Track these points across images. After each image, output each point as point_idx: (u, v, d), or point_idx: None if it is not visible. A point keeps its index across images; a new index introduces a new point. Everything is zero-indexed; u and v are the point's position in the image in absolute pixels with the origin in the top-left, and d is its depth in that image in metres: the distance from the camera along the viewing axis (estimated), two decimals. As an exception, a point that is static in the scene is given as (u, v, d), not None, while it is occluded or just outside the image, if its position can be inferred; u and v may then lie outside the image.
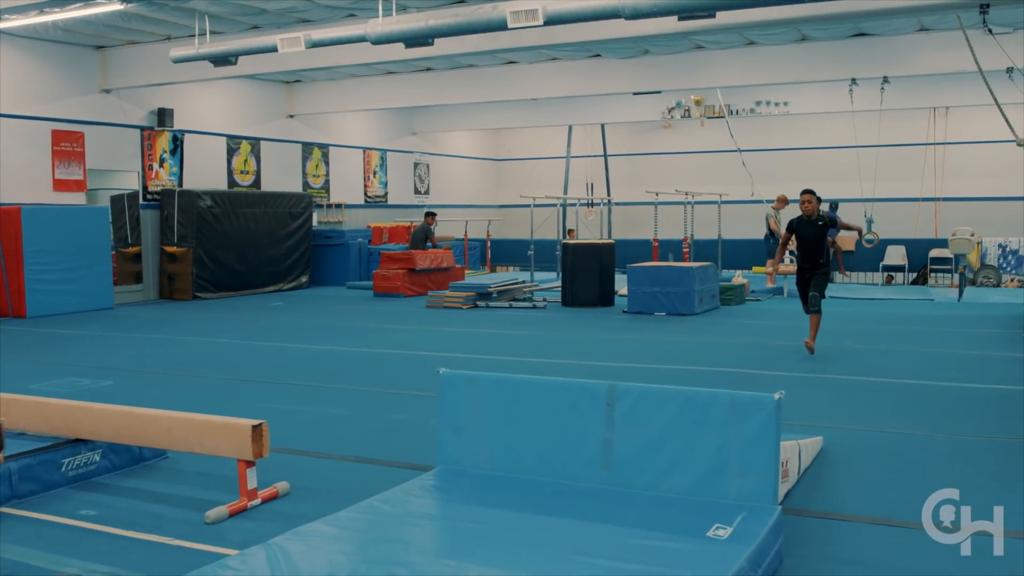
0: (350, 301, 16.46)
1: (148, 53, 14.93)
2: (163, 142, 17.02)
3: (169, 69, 14.43)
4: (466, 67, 17.87)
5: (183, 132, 17.38)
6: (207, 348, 10.78)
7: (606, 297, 14.69)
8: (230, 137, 18.50)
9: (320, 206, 20.73)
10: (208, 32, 13.06)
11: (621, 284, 14.91)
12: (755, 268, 19.81)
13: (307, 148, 20.49)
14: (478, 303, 14.92)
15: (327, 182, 21.10)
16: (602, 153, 25.59)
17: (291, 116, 19.94)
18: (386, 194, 22.96)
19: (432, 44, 11.63)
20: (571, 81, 17.34)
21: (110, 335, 12.05)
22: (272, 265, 18.41)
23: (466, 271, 20.10)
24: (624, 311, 13.78)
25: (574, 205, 23.49)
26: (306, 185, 20.43)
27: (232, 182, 18.57)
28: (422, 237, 18.29)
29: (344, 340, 11.21)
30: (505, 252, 23.24)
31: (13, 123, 14.58)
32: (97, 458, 5.47)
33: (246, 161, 18.89)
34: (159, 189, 16.93)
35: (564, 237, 23.62)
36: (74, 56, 15.40)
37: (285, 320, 13.61)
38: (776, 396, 3.93)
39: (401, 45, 11.85)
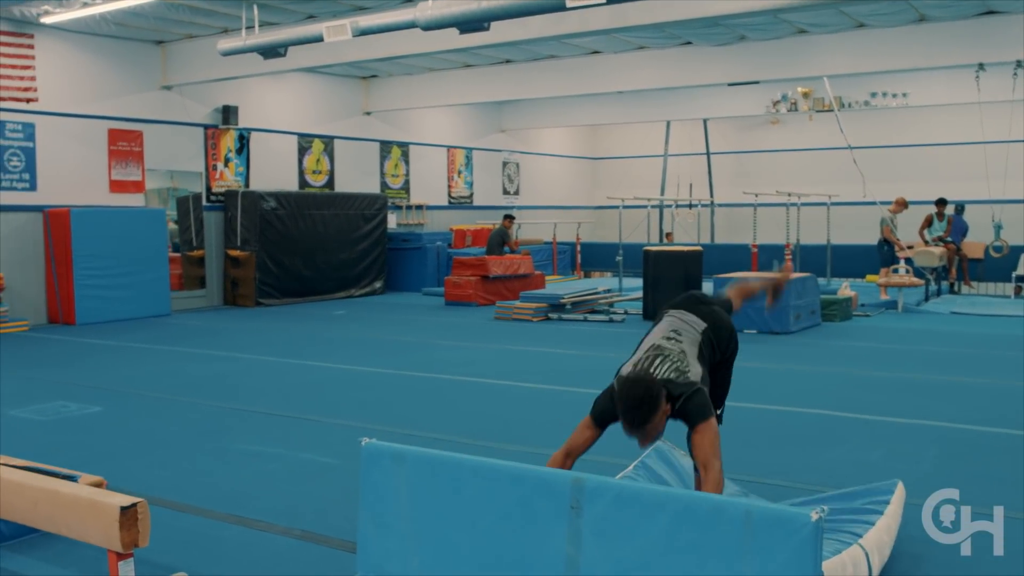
0: (418, 310, 15.34)
1: (207, 47, 14.08)
2: (228, 141, 16.22)
3: (230, 64, 13.58)
4: (547, 58, 16.55)
5: (249, 130, 16.55)
6: (233, 366, 9.76)
7: (692, 311, 13.15)
8: (301, 135, 17.62)
9: (399, 208, 19.72)
10: (257, 23, 12.12)
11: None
12: (868, 277, 17.94)
13: (385, 147, 19.49)
14: (550, 315, 13.61)
15: (407, 182, 20.07)
16: (704, 151, 23.96)
17: (368, 113, 18.96)
18: (471, 195, 21.82)
19: (488, 29, 10.41)
20: (660, 72, 15.84)
21: (144, 348, 11.18)
22: (342, 270, 17.43)
23: (553, 277, 18.81)
24: (709, 327, 12.25)
25: (670, 207, 21.95)
26: (384, 186, 19.44)
27: (303, 182, 17.69)
28: (499, 241, 17.07)
29: (385, 359, 10.04)
30: (597, 256, 21.78)
31: (67, 121, 13.94)
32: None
33: (319, 161, 17.99)
34: (223, 190, 16.15)
35: (661, 241, 22.14)
36: (133, 52, 14.69)
37: (336, 332, 12.55)
38: (814, 515, 2.52)
39: (456, 32, 10.72)
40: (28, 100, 13.40)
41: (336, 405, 7.64)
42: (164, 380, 8.94)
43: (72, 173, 14.01)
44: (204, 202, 15.95)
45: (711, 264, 15.16)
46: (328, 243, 17.06)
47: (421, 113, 19.96)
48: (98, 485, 5.22)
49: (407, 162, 20.04)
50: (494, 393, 8.14)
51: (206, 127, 15.88)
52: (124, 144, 14.68)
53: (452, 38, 11.19)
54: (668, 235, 22.62)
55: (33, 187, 13.60)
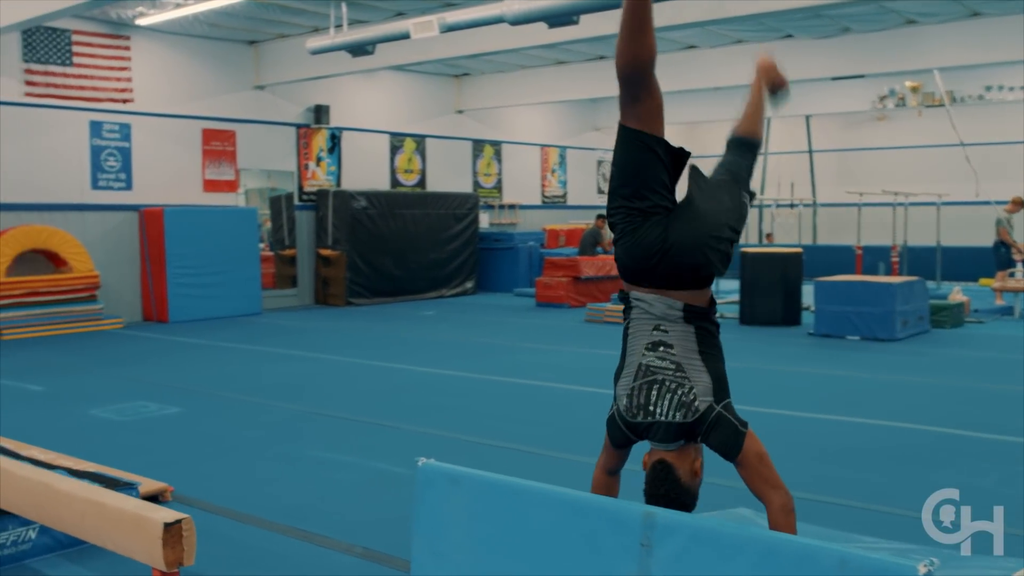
0: (509, 311, 15.09)
1: (298, 47, 14.07)
2: (320, 140, 16.23)
3: (320, 63, 13.56)
4: (641, 54, 16.09)
5: (341, 129, 16.53)
6: (316, 367, 9.63)
7: (791, 315, 12.61)
8: (393, 134, 17.54)
9: (491, 207, 19.51)
10: (346, 21, 12.02)
11: (810, 298, 12.79)
12: (982, 281, 17.04)
13: (478, 145, 19.31)
14: (642, 318, 13.18)
15: (499, 181, 19.85)
16: (806, 148, 23.18)
17: (460, 112, 18.81)
18: (565, 194, 21.50)
19: (577, 23, 10.09)
20: (760, 67, 15.25)
21: (230, 347, 11.18)
22: (433, 270, 17.29)
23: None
24: (810, 333, 11.70)
25: (769, 206, 21.26)
26: (476, 185, 19.25)
27: (395, 182, 17.61)
28: (591, 242, 16.72)
29: (470, 362, 9.80)
30: (694, 258, 21.20)
31: (162, 122, 14.09)
32: (32, 535, 4.27)
33: (410, 160, 17.90)
34: (315, 189, 16.16)
35: (760, 242, 21.47)
36: (226, 52, 14.79)
37: (423, 333, 12.37)
38: (922, 569, 2.14)
39: (545, 26, 10.44)
40: (124, 101, 13.58)
41: (414, 410, 7.41)
42: (245, 381, 8.85)
43: (166, 173, 14.15)
44: (296, 201, 15.98)
45: (813, 266, 14.57)
46: (419, 243, 16.94)
47: (514, 111, 19.72)
48: (162, 492, 5.09)
49: (499, 161, 19.83)
50: (580, 401, 7.81)
51: (298, 126, 15.91)
52: (217, 144, 14.78)
53: (541, 33, 10.91)
54: (768, 236, 21.93)
55: (129, 187, 13.77)
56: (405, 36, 11.00)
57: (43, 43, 12.71)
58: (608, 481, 3.23)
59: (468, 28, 10.71)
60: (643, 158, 2.85)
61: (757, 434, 2.91)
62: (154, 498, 5.03)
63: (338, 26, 12.00)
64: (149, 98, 13.90)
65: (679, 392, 2.85)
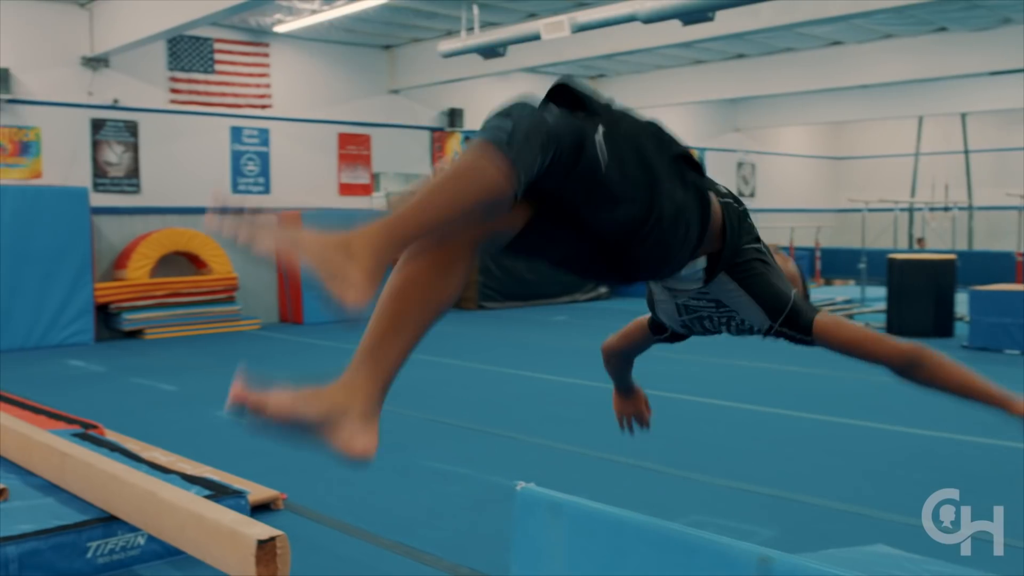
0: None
1: (432, 51, 14.10)
2: (454, 143, 16.24)
3: (453, 66, 13.56)
4: (783, 51, 15.52)
5: (474, 132, 16.49)
6: (439, 373, 9.54)
7: (942, 326, 11.85)
8: (527, 137, 17.39)
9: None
10: (478, 24, 11.95)
11: (964, 308, 12.02)
12: None
13: (613, 148, 18.98)
14: (781, 326, 12.65)
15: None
16: (962, 148, 21.97)
17: (595, 114, 18.51)
18: (703, 198, 20.93)
19: (713, 19, 9.70)
20: (911, 62, 14.47)
21: (350, 348, 11.19)
22: (566, 274, 17.03)
23: (786, 285, 17.65)
24: (964, 346, 10.97)
25: (921, 210, 20.22)
26: (611, 188, 18.93)
27: (529, 185, 17.47)
28: (729, 246, 16.18)
29: (597, 370, 9.46)
30: (838, 263, 20.37)
31: (299, 126, 14.34)
32: (141, 541, 4.25)
33: (544, 163, 17.72)
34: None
35: (911, 247, 20.47)
36: (361, 57, 14.94)
37: (554, 339, 12.17)
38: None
39: (679, 24, 10.09)
40: (263, 107, 13.87)
41: (537, 421, 7.20)
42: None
43: (303, 176, 14.39)
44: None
45: (967, 274, 13.72)
46: (551, 247, 16.72)
47: (651, 113, 19.23)
48: (274, 500, 5.02)
49: (635, 164, 19.45)
50: (706, 414, 7.46)
51: (432, 130, 15.96)
52: (353, 148, 14.95)
53: (676, 31, 10.57)
54: (919, 241, 20.88)
55: (267, 190, 14.06)
56: (536, 37, 10.84)
57: (187, 52, 13.08)
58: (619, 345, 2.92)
59: (600, 28, 10.47)
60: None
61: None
62: (266, 506, 4.98)
63: (470, 29, 11.94)
64: (287, 103, 14.17)
65: (732, 323, 2.34)
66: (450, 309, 1.79)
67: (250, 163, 13.86)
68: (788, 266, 2.39)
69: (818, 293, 14.97)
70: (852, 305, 13.77)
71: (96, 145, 12.55)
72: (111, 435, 6.18)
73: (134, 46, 11.85)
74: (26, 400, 7.25)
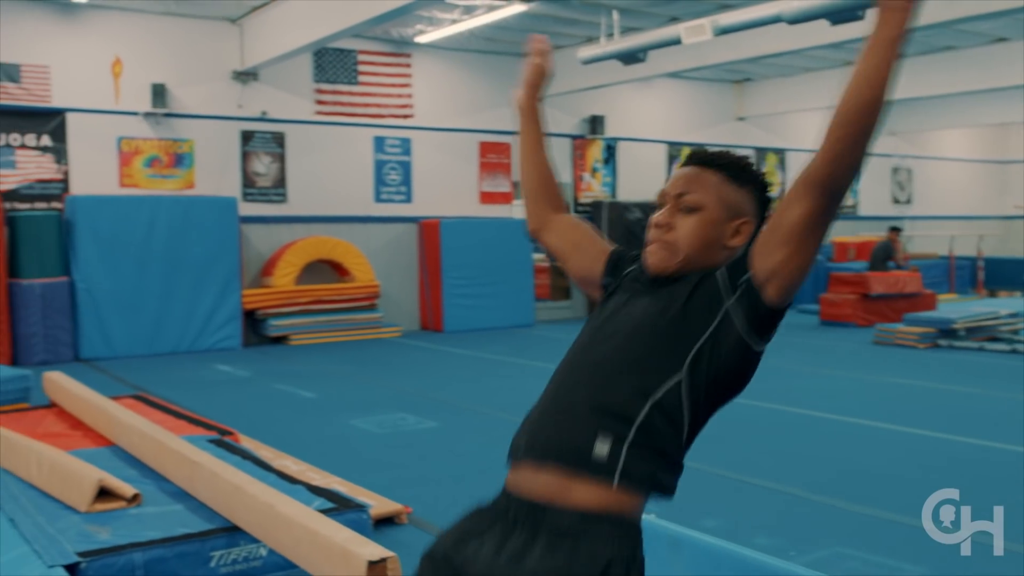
0: (787, 329, 14.03)
1: (572, 57, 13.97)
2: (595, 151, 16.07)
3: (594, 73, 13.41)
4: (942, 50, 14.72)
5: (616, 140, 16.29)
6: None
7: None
8: (670, 144, 17.09)
9: (773, 218, 18.56)
10: (618, 29, 11.75)
11: None
12: None
13: (760, 153, 18.45)
14: (939, 342, 11.97)
15: (783, 191, 18.84)
16: None
17: (741, 119, 18.05)
18: (855, 204, 20.13)
19: (863, 18, 9.21)
20: (1086, 58, 13.50)
21: (498, 359, 11.17)
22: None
23: (947, 297, 16.78)
24: None
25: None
26: (758, 195, 18.39)
27: (671, 193, 17.14)
28: (883, 256, 15.46)
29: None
30: (1004, 274, 19.20)
31: (440, 136, 14.45)
32: (263, 552, 4.23)
33: (688, 170, 17.35)
34: (590, 201, 16.01)
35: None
36: (503, 65, 14.94)
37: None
38: None
39: (827, 24, 9.64)
40: (405, 116, 14.03)
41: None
42: (507, 397, 8.72)
43: (444, 185, 14.49)
44: (570, 212, 15.87)
45: None
46: (694, 255, 16.35)
47: (799, 117, 18.67)
48: (398, 514, 4.96)
49: (784, 170, 18.86)
50: (864, 438, 7.04)
51: (573, 137, 15.84)
52: (493, 156, 14.97)
53: (824, 31, 10.09)
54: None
55: (409, 199, 14.21)
56: (677, 42, 10.55)
57: (331, 64, 13.36)
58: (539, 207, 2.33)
59: (744, 30, 10.10)
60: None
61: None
62: (390, 519, 4.92)
63: (609, 35, 11.75)
64: (429, 113, 14.30)
65: None
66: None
67: (392, 172, 14.04)
68: None
69: (980, 305, 14.11)
70: (1018, 320, 12.91)
71: (245, 156, 12.94)
72: (246, 442, 6.27)
73: (282, 59, 12.16)
74: (170, 405, 7.46)
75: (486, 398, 8.58)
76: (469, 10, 11.92)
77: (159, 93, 12.10)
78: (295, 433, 7.10)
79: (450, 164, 14.60)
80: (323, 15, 10.79)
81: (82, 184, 11.82)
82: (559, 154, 15.70)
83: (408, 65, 13.99)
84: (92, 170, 11.91)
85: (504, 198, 15.11)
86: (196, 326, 12.02)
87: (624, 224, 15.54)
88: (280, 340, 12.65)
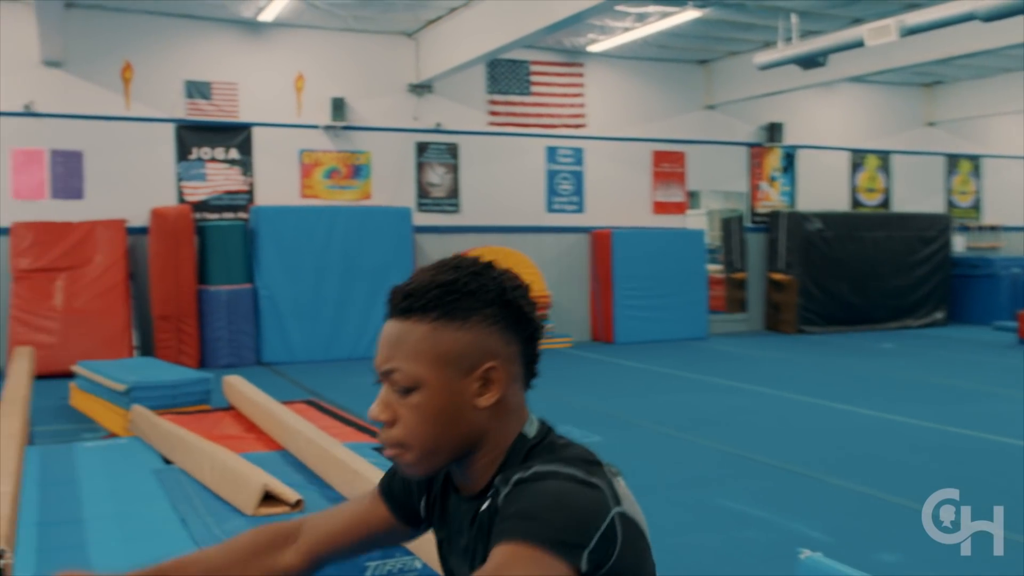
0: (983, 347, 13.32)
1: (749, 63, 13.59)
2: (773, 159, 15.56)
3: (771, 79, 13.01)
4: None
5: (796, 147, 15.73)
6: (752, 402, 9.04)
7: None
8: (854, 151, 16.36)
9: (968, 229, 17.51)
10: (796, 33, 11.33)
11: None
12: None
13: (951, 161, 17.43)
14: None
15: (977, 200, 17.77)
16: None
17: (931, 124, 17.09)
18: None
19: (1069, 12, 8.54)
20: None
21: (668, 373, 10.93)
22: (895, 298, 15.82)
23: None
24: None
25: None
26: (950, 204, 17.39)
27: (855, 202, 16.42)
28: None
29: (928, 407, 8.63)
30: None
31: (612, 145, 14.32)
32: (418, 565, 4.19)
33: (873, 178, 16.59)
34: (767, 210, 15.51)
35: None
36: (676, 73, 14.69)
37: (879, 369, 11.25)
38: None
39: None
40: (577, 126, 13.96)
41: (848, 461, 6.57)
42: (676, 412, 8.49)
43: (616, 195, 14.34)
44: (747, 223, 15.45)
45: None
46: (880, 268, 15.59)
47: (995, 121, 17.53)
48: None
49: (978, 177, 17.75)
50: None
51: (750, 145, 15.38)
52: (667, 165, 14.71)
53: (1022, 29, 9.42)
54: None
55: (581, 209, 14.14)
56: (859, 44, 10.08)
57: (504, 75, 13.45)
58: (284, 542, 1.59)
59: (933, 29, 9.54)
60: None
61: None
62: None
63: (788, 39, 11.34)
64: (601, 122, 14.19)
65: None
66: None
67: (564, 182, 14.00)
68: None
69: None
70: None
71: (420, 167, 13.17)
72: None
73: (456, 71, 12.32)
74: (340, 411, 7.59)
75: (655, 413, 8.37)
76: (641, 18, 11.76)
77: (338, 107, 12.47)
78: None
79: (623, 174, 14.43)
80: (496, 27, 10.86)
81: (266, 195, 12.30)
82: (735, 163, 15.28)
83: (580, 75, 13.92)
84: (275, 181, 12.38)
85: (678, 208, 14.82)
86: (371, 333, 12.28)
87: (803, 235, 14.98)
88: (451, 349, 12.76)
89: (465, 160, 13.44)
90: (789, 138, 15.54)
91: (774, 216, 15.38)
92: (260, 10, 11.56)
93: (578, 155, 14.07)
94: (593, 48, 13.06)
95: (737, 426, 7.82)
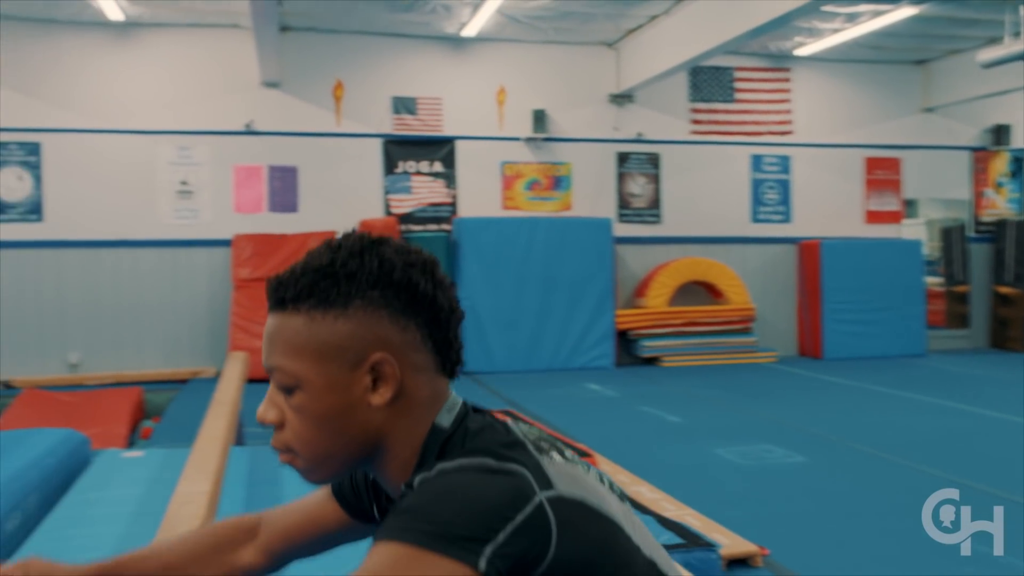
0: None
1: (971, 62, 12.73)
2: (999, 164, 14.50)
3: (995, 78, 12.12)
4: None
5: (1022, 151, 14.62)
6: (978, 426, 8.40)
7: None
8: (1095, 154, 15.04)
9: None
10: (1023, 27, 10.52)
11: None
12: None
13: None
14: None
15: None
16: None
17: None
18: None
19: None
20: None
21: (882, 392, 10.33)
22: None
23: None
24: None
25: None
26: None
27: (1095, 209, 15.08)
28: None
29: None
30: None
31: (821, 152, 13.74)
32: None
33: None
34: (993, 219, 14.47)
35: None
36: (889, 74, 13.93)
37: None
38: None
39: None
40: (784, 133, 13.49)
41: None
42: (889, 434, 7.99)
43: (826, 204, 13.74)
44: (970, 232, 14.47)
45: None
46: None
47: None
48: (752, 556, 4.63)
49: None
50: None
51: (973, 150, 14.40)
52: (880, 172, 13.98)
53: None
54: None
55: (787, 219, 13.64)
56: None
57: (707, 82, 13.16)
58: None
59: None
60: None
61: None
62: (742, 561, 4.60)
63: (1015, 33, 10.53)
64: (809, 128, 13.65)
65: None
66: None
67: (770, 191, 13.55)
68: None
69: None
70: None
71: (621, 177, 13.07)
72: (604, 464, 6.21)
73: (657, 80, 12.15)
74: (536, 422, 7.59)
75: (865, 434, 7.91)
76: (852, 18, 11.24)
77: (539, 119, 12.55)
78: (655, 458, 6.95)
79: (832, 182, 13.82)
80: (698, 33, 10.63)
81: (468, 207, 12.52)
82: (955, 169, 14.35)
83: (787, 80, 13.44)
84: (477, 193, 12.58)
85: (892, 217, 14.05)
86: (570, 344, 12.28)
87: (1034, 245, 13.89)
88: (651, 361, 12.59)
89: (667, 170, 13.23)
90: (1017, 141, 14.43)
91: (1001, 225, 14.33)
92: (463, 26, 11.79)
93: (784, 163, 13.58)
94: (800, 52, 12.58)
95: (957, 452, 7.28)
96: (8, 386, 10.58)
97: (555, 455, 1.18)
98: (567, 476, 1.14)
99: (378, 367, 1.18)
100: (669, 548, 4.08)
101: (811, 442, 7.57)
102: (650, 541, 1.23)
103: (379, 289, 1.18)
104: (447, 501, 1.06)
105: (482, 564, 1.02)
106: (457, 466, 1.11)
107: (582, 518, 1.11)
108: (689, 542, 4.19)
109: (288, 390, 1.21)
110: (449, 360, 1.25)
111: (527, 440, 1.18)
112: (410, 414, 1.22)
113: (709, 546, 4.18)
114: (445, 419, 1.22)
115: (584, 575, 1.10)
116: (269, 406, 1.23)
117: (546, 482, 1.10)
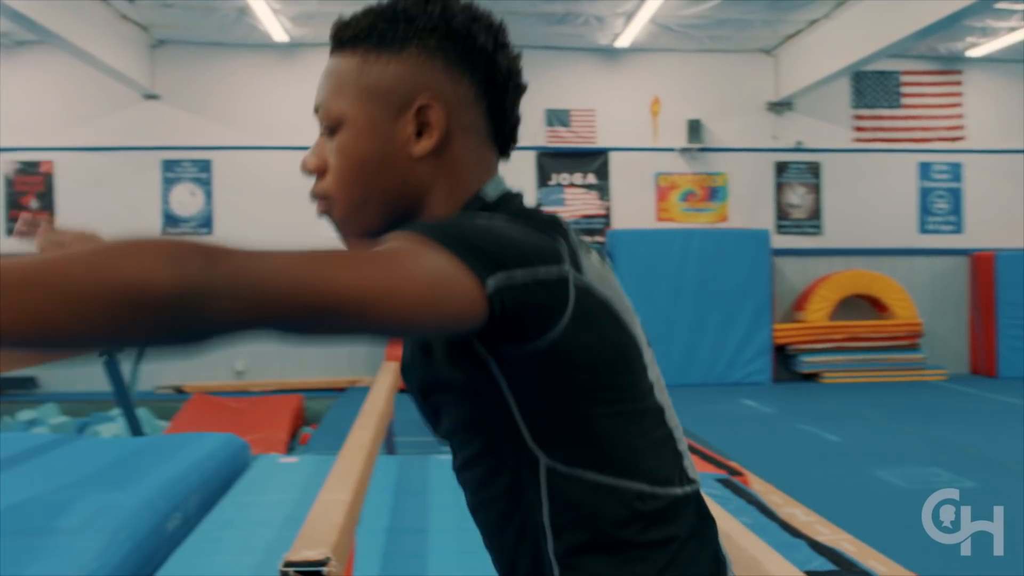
0: None
1: None
2: None
3: None
4: None
5: None
6: None
7: None
8: None
9: None
10: None
11: None
12: None
13: None
14: None
15: None
16: None
17: None
18: None
19: None
20: None
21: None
22: None
23: None
24: None
25: None
26: None
27: None
28: None
29: None
30: None
31: (995, 159, 12.98)
32: None
33: None
34: None
35: None
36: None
37: None
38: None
39: None
40: (954, 139, 12.84)
41: None
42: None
43: (1000, 213, 12.99)
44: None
45: None
46: None
47: None
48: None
49: None
50: None
51: None
52: (1061, 180, 13.13)
53: None
54: None
55: (959, 229, 12.98)
56: None
57: (871, 87, 12.67)
58: None
59: None
60: None
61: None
62: (901, 592, 4.36)
63: None
64: (983, 134, 12.93)
65: None
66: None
67: (940, 201, 12.92)
68: None
69: None
70: None
71: (779, 187, 12.72)
72: (757, 483, 6.02)
73: (817, 86, 11.77)
74: (688, 440, 7.43)
75: (1041, 458, 7.42)
76: (1029, 16, 10.60)
77: (694, 128, 12.35)
78: (812, 479, 6.69)
79: (1009, 190, 13.04)
80: (861, 36, 10.24)
81: (622, 218, 12.43)
82: None
83: (958, 83, 12.78)
84: (631, 205, 12.48)
85: (1078, 227, 13.17)
86: (725, 359, 12.01)
87: None
88: (811, 377, 12.18)
89: (828, 179, 12.79)
90: None
91: None
92: (616, 36, 11.72)
93: (955, 171, 12.91)
94: (973, 53, 11.94)
95: None
96: (180, 391, 11.11)
97: (594, 256, 1.15)
98: (600, 276, 1.11)
99: (424, 113, 1.13)
100: None
101: (983, 467, 7.13)
102: (657, 373, 1.22)
103: (436, 36, 1.13)
104: (479, 228, 1.01)
105: (490, 284, 0.94)
106: (496, 215, 1.09)
107: (600, 314, 1.08)
108: (843, 569, 4.00)
109: (331, 130, 1.16)
110: (502, 132, 1.20)
111: (572, 231, 1.12)
112: (453, 174, 1.15)
113: (865, 574, 3.98)
114: (491, 191, 1.17)
115: (580, 373, 1.06)
116: (312, 154, 1.19)
117: (579, 268, 1.06)
